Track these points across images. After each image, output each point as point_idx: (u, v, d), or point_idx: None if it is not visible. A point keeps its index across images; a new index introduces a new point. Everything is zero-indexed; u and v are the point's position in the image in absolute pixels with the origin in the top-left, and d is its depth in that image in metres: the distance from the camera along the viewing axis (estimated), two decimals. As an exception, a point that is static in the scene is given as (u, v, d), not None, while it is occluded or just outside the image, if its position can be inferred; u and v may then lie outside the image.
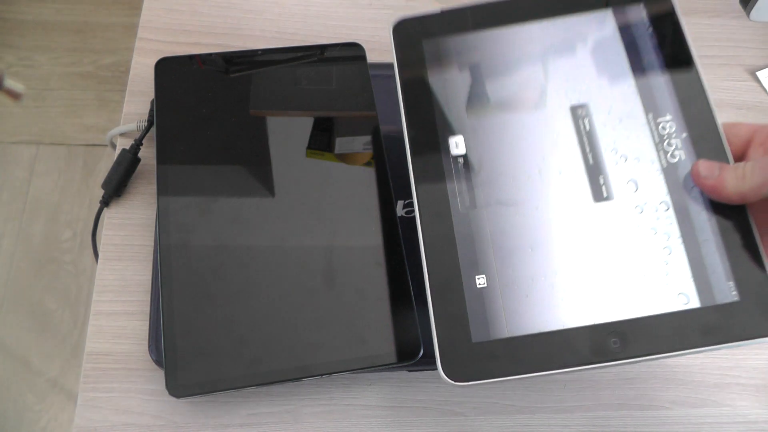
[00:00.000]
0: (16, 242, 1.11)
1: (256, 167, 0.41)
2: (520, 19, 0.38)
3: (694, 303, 0.31)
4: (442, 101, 0.36)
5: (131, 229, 0.42)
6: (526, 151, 0.35)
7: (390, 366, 0.36)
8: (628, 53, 0.36)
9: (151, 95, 0.43)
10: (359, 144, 0.42)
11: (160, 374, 0.38)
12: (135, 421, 0.38)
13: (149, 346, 0.38)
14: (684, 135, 0.33)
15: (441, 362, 0.31)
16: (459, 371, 0.31)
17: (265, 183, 0.40)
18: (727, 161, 0.32)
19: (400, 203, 0.42)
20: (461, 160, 0.35)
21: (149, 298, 0.39)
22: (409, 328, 0.37)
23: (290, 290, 0.38)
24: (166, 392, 0.35)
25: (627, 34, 0.36)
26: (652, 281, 0.31)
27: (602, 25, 0.37)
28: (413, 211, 0.40)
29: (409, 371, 0.40)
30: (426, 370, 0.40)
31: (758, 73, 0.52)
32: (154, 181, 0.40)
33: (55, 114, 1.23)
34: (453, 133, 0.35)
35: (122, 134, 0.45)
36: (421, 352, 0.36)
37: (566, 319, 0.31)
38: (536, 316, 0.31)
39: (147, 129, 0.43)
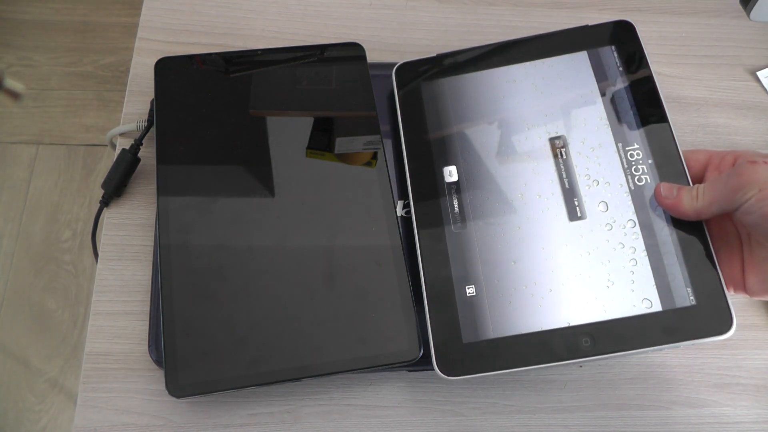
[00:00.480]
0: (16, 242, 1.11)
1: (255, 167, 0.41)
2: (505, 62, 0.43)
3: (657, 307, 0.35)
4: (437, 135, 0.41)
5: (131, 229, 0.42)
6: (509, 178, 0.39)
7: (390, 366, 0.36)
8: (601, 90, 0.41)
9: (151, 95, 0.43)
10: (359, 144, 0.42)
11: (160, 374, 0.38)
12: (135, 421, 0.38)
13: (149, 346, 0.38)
14: (650, 161, 0.38)
15: (436, 360, 0.36)
16: (452, 367, 0.35)
17: (265, 183, 0.40)
18: (688, 184, 0.37)
19: (399, 203, 0.42)
20: (454, 187, 0.40)
21: (149, 298, 0.39)
22: (409, 329, 0.37)
23: (290, 290, 0.38)
24: (166, 392, 0.35)
25: (600, 73, 0.41)
26: (620, 289, 0.36)
27: (578, 66, 0.42)
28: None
29: (409, 371, 0.40)
30: (426, 370, 0.40)
31: (758, 73, 0.52)
32: (154, 181, 0.40)
33: (55, 114, 1.22)
34: (447, 163, 0.40)
35: (122, 134, 0.45)
36: (421, 353, 0.36)
37: (544, 322, 0.36)
38: (518, 319, 0.36)
39: (147, 129, 0.43)
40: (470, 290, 0.37)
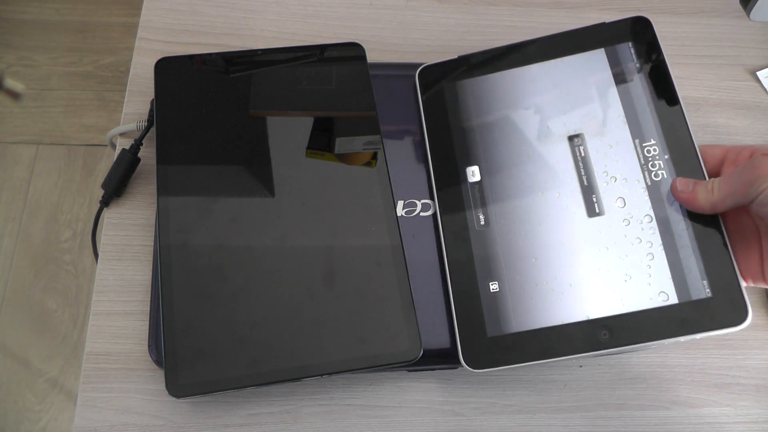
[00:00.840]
0: (16, 242, 1.11)
1: (255, 167, 0.41)
2: (524, 62, 0.44)
3: (673, 300, 0.36)
4: (460, 136, 0.42)
5: (131, 229, 0.42)
6: (530, 177, 0.40)
7: (390, 366, 0.36)
8: (618, 87, 0.41)
9: (151, 95, 0.43)
10: (359, 144, 0.42)
11: (160, 374, 0.38)
12: (135, 421, 0.38)
13: (149, 346, 0.38)
14: (666, 157, 0.39)
15: (462, 353, 0.37)
16: (478, 360, 0.36)
17: (265, 183, 0.40)
18: (704, 179, 0.37)
19: (400, 203, 0.42)
20: (477, 187, 0.41)
21: (149, 298, 0.39)
22: (410, 328, 0.37)
23: (290, 290, 0.38)
24: (166, 392, 0.35)
25: (617, 70, 0.42)
26: (637, 282, 0.37)
27: (596, 64, 0.42)
28: (414, 211, 0.41)
29: (409, 371, 0.40)
30: (426, 370, 0.40)
31: (758, 73, 0.52)
32: (154, 181, 0.40)
33: (55, 114, 1.23)
34: (470, 163, 0.41)
35: (122, 134, 0.45)
36: (421, 352, 0.36)
37: (564, 316, 0.37)
38: (539, 313, 0.37)
39: (147, 129, 0.43)
40: (493, 286, 0.38)
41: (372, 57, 0.46)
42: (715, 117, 0.50)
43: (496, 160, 0.41)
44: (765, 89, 0.51)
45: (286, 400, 0.39)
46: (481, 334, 0.37)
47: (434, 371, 0.40)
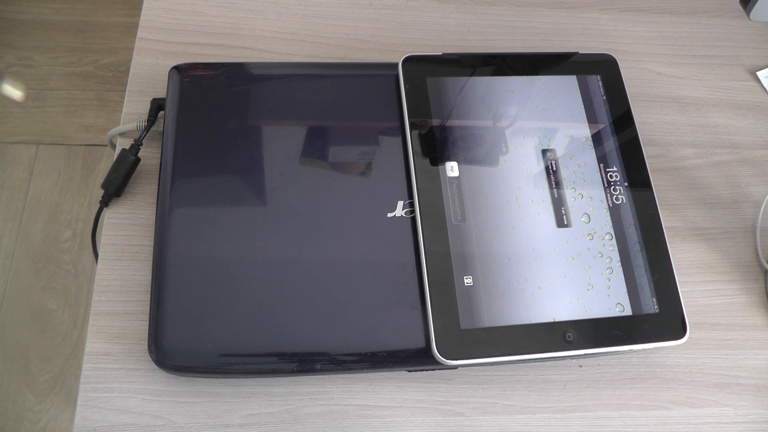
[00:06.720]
0: (16, 242, 1.11)
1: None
2: (503, 73, 0.46)
3: (628, 311, 0.40)
4: (440, 131, 0.43)
5: (131, 229, 0.42)
6: (506, 180, 0.42)
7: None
8: (587, 114, 0.45)
9: (151, 95, 0.43)
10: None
11: (160, 374, 0.38)
12: (135, 421, 0.38)
13: (149, 346, 0.37)
14: (625, 184, 0.43)
15: (435, 343, 0.37)
16: (450, 352, 0.37)
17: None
18: (655, 207, 0.42)
19: (399, 203, 0.42)
20: (455, 182, 0.42)
21: (149, 298, 0.39)
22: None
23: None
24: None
25: (587, 98, 0.46)
26: (598, 292, 0.40)
27: (568, 89, 0.46)
28: (412, 212, 0.41)
29: (409, 371, 0.40)
30: (426, 370, 0.40)
31: (758, 73, 0.52)
32: (154, 181, 0.40)
33: (55, 114, 1.23)
34: (449, 159, 0.42)
35: (122, 134, 0.45)
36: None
37: (533, 316, 0.39)
38: (510, 311, 0.39)
39: (147, 129, 0.43)
40: (468, 280, 0.39)
41: (372, 57, 0.46)
42: (715, 117, 0.50)
43: (474, 159, 0.43)
44: (765, 89, 0.51)
45: (286, 400, 0.39)
46: (454, 326, 0.38)
47: (434, 371, 0.41)
